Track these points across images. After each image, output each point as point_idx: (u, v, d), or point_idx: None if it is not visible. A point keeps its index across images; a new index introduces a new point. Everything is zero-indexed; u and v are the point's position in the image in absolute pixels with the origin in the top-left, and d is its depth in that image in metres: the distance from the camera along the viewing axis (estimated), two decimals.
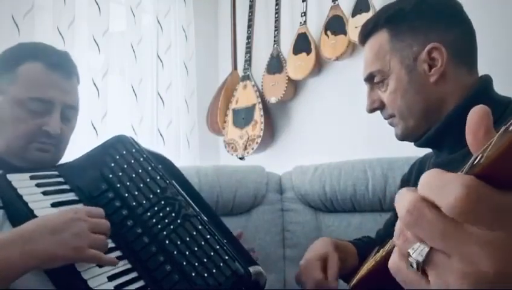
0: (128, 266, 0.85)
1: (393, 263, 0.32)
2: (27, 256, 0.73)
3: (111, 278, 0.82)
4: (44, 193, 0.89)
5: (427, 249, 0.29)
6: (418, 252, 0.29)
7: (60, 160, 1.05)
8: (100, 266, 0.82)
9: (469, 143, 0.30)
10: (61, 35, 1.81)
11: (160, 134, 2.15)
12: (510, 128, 0.25)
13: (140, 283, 0.84)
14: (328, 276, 0.94)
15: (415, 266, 0.29)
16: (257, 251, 1.21)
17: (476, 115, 0.29)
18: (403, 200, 0.30)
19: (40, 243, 0.74)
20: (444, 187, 0.27)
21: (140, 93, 2.08)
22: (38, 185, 0.90)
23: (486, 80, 0.87)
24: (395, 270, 0.32)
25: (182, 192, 0.96)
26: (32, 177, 0.91)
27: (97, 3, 1.93)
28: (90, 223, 0.80)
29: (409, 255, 0.30)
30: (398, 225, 0.31)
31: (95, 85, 1.89)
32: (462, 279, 0.27)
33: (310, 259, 0.98)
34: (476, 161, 0.28)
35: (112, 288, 0.80)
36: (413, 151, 1.07)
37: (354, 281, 0.91)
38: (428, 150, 1.01)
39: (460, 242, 0.27)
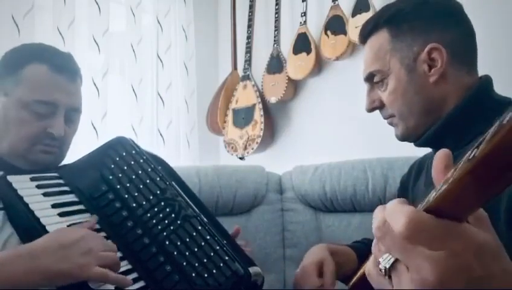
0: (129, 266, 0.85)
1: (368, 268, 0.41)
2: (33, 272, 0.73)
3: None
4: (45, 195, 0.89)
5: (393, 259, 0.37)
6: (386, 261, 0.38)
7: (62, 161, 1.05)
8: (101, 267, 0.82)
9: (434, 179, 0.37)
10: (61, 35, 1.81)
11: (160, 134, 2.15)
12: (453, 175, 0.32)
13: (141, 284, 0.84)
14: (324, 281, 0.95)
15: (383, 271, 0.38)
16: (257, 251, 1.21)
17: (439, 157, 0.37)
18: (375, 217, 0.39)
19: (45, 260, 0.74)
20: (394, 216, 0.36)
21: (140, 93, 2.08)
22: (38, 187, 0.90)
23: (487, 80, 0.88)
24: (368, 274, 0.41)
25: (182, 193, 0.97)
26: (32, 179, 0.91)
27: (97, 3, 1.93)
28: (100, 243, 0.79)
29: (379, 263, 0.39)
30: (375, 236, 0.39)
31: (95, 85, 1.90)
32: (412, 283, 0.35)
33: (305, 265, 0.98)
34: (427, 200, 0.36)
35: (113, 288, 0.80)
36: (413, 151, 1.07)
37: (353, 280, 0.92)
38: (427, 150, 1.01)
39: (411, 256, 0.35)
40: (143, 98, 2.10)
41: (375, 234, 0.38)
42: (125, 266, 0.85)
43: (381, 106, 0.93)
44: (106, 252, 0.79)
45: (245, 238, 1.21)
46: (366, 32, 0.93)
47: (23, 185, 0.89)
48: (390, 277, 0.38)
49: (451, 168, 0.34)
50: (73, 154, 1.06)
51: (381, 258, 0.38)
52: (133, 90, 2.05)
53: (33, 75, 0.98)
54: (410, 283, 0.35)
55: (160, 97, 2.17)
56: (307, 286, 0.95)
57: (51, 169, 0.99)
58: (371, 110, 0.95)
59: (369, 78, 0.93)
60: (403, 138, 0.93)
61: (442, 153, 0.37)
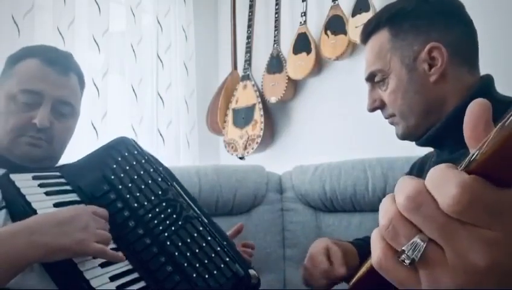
0: (130, 266, 0.85)
1: (379, 258, 0.30)
2: (33, 246, 0.73)
3: (113, 278, 0.82)
4: (47, 193, 0.89)
5: (423, 246, 0.28)
6: (413, 249, 0.28)
7: (56, 159, 1.05)
8: (102, 266, 0.82)
9: (467, 137, 0.29)
10: (61, 35, 1.81)
11: (160, 134, 2.15)
12: (507, 124, 0.25)
13: (142, 284, 0.84)
14: (334, 263, 0.95)
15: (407, 262, 0.29)
16: (257, 251, 1.22)
17: (477, 108, 0.29)
18: (405, 186, 0.29)
19: (45, 234, 0.74)
20: (443, 184, 0.27)
21: (140, 93, 2.08)
22: (40, 185, 0.90)
23: (488, 79, 0.88)
24: (381, 266, 0.30)
25: (183, 194, 0.97)
26: (35, 178, 0.91)
27: (97, 3, 1.93)
28: (95, 220, 0.81)
29: (403, 252, 0.29)
30: (388, 214, 0.30)
31: (95, 85, 1.90)
32: (453, 272, 0.27)
33: (313, 252, 0.99)
34: (473, 157, 0.27)
35: (114, 288, 0.80)
36: (413, 151, 1.07)
37: (354, 280, 0.92)
38: (428, 150, 1.01)
39: (456, 235, 0.27)
40: (143, 98, 2.10)
41: (404, 206, 0.29)
42: (126, 266, 0.85)
43: (382, 106, 0.93)
44: (99, 229, 0.80)
45: (245, 238, 1.22)
46: (368, 32, 0.93)
47: (26, 184, 0.89)
48: (414, 268, 0.29)
49: (491, 125, 0.27)
50: (74, 154, 1.06)
51: (406, 247, 0.29)
52: (133, 90, 2.05)
53: (24, 68, 0.98)
54: (448, 271, 0.27)
55: (160, 97, 2.17)
56: (317, 272, 0.96)
57: (50, 168, 0.99)
58: (372, 109, 0.95)
59: (370, 77, 0.93)
60: (404, 137, 0.93)
61: (482, 102, 0.29)
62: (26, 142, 0.96)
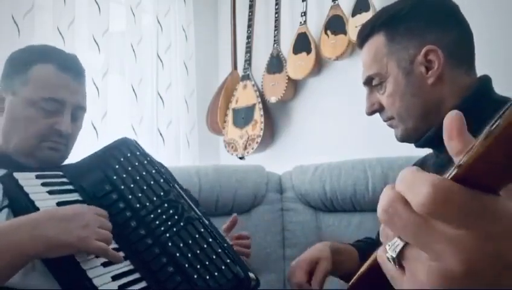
0: (131, 267, 0.86)
1: (379, 256, 0.34)
2: (34, 240, 0.74)
3: (115, 278, 0.82)
4: (50, 192, 0.90)
5: (400, 245, 0.30)
6: (392, 248, 0.31)
7: (66, 159, 1.07)
8: (104, 265, 0.82)
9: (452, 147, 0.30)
10: (61, 35, 1.81)
11: (160, 134, 2.16)
12: (492, 128, 0.25)
13: (143, 284, 0.85)
14: (312, 279, 0.96)
15: (391, 260, 0.31)
16: (257, 251, 1.22)
17: (454, 118, 0.30)
18: (381, 198, 0.31)
19: (47, 229, 0.76)
20: (415, 185, 0.28)
21: (140, 93, 2.08)
22: (44, 185, 0.91)
23: (486, 80, 0.88)
24: (381, 263, 0.34)
25: (185, 195, 0.97)
26: (38, 177, 0.92)
27: (97, 3, 1.93)
28: (97, 219, 0.82)
29: (386, 250, 0.32)
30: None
31: (95, 85, 1.90)
32: (430, 274, 0.28)
33: (299, 260, 0.99)
34: (460, 162, 0.28)
35: (116, 288, 0.81)
36: (413, 151, 1.07)
37: (353, 279, 0.92)
38: (428, 151, 1.01)
39: (430, 239, 0.27)
40: (143, 98, 2.10)
41: (380, 218, 0.30)
42: (127, 266, 0.85)
43: (380, 109, 0.94)
44: (101, 229, 0.81)
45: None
46: (364, 36, 0.94)
47: (29, 183, 0.89)
48: (401, 265, 0.31)
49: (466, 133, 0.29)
50: (73, 153, 1.07)
51: (387, 245, 0.31)
52: (133, 90, 2.06)
53: (40, 74, 1.00)
54: (427, 273, 0.28)
55: (160, 97, 2.17)
56: (293, 281, 0.97)
57: (53, 167, 1.00)
58: (370, 113, 0.96)
59: (368, 81, 0.94)
60: (403, 139, 0.93)
61: (457, 115, 0.30)
62: (48, 147, 0.98)
